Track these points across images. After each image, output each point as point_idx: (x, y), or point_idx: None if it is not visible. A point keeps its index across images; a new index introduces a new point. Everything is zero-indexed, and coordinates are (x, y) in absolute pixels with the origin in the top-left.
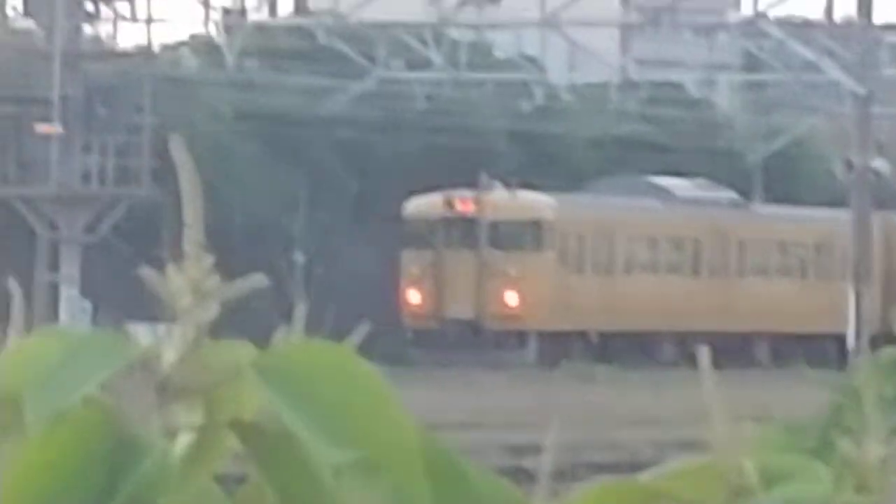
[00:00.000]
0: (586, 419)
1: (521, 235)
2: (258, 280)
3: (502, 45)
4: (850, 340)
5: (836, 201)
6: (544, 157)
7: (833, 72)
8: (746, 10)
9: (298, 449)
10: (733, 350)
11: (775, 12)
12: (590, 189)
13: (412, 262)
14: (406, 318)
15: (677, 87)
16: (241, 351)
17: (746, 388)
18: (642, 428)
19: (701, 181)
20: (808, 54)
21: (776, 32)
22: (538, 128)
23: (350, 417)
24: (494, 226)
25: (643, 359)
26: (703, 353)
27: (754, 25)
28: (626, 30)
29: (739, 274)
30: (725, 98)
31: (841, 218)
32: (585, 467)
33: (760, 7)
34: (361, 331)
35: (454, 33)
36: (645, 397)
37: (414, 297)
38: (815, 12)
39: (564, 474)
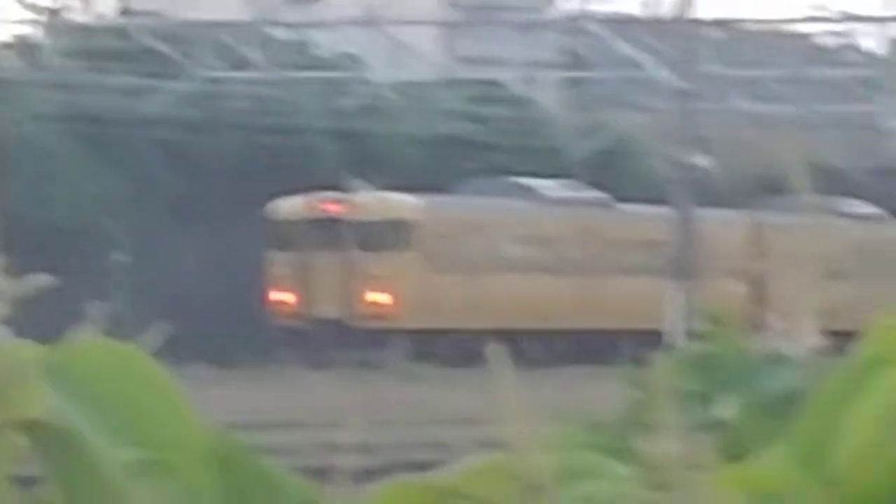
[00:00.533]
0: (409, 418)
1: (387, 236)
2: (44, 279)
3: (324, 43)
4: (668, 337)
5: (660, 198)
6: (368, 156)
7: (655, 68)
8: (568, 6)
9: (85, 448)
10: (598, 347)
11: (597, 9)
12: (457, 191)
13: (280, 262)
14: (274, 318)
15: (498, 84)
16: (29, 350)
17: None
18: (466, 427)
19: (568, 182)
20: (630, 51)
21: (597, 29)
22: (361, 126)
23: (137, 417)
24: (361, 226)
25: (512, 357)
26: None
27: (576, 22)
28: (448, 28)
29: (605, 272)
30: (547, 95)
31: (704, 216)
32: (405, 466)
33: (582, 4)
34: (160, 329)
35: (276, 33)
36: (470, 395)
37: (282, 297)
38: (637, 9)
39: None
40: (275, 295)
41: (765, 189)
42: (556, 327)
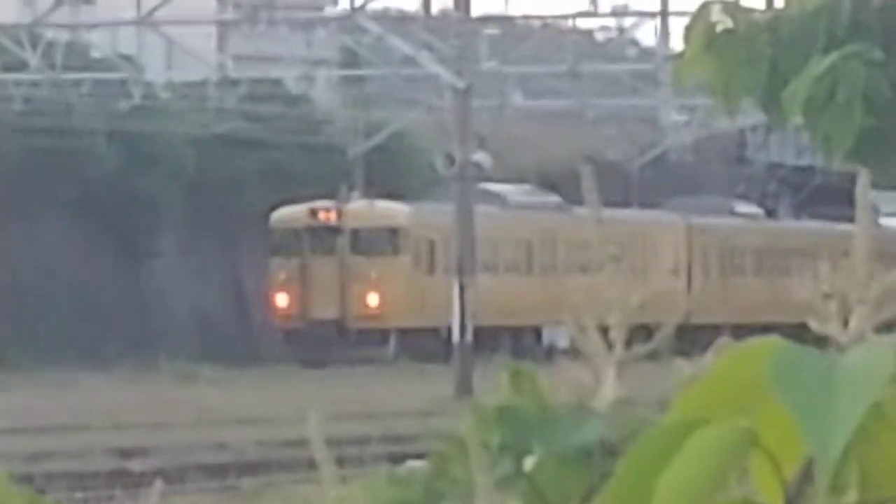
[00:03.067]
0: (192, 419)
1: (379, 241)
2: None
3: (99, 44)
4: (455, 335)
5: (440, 194)
6: (144, 156)
7: (431, 65)
8: (343, 4)
9: None
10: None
11: (372, 6)
12: (432, 197)
13: (280, 268)
14: (275, 320)
15: (276, 83)
16: None
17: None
18: (248, 427)
19: (528, 187)
20: (406, 48)
21: (373, 27)
22: (137, 127)
23: None
24: (355, 233)
25: (484, 352)
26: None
27: (351, 20)
28: (224, 27)
29: (566, 271)
30: (325, 94)
31: (650, 216)
32: (193, 469)
33: (357, 2)
34: None
35: (50, 34)
36: (251, 395)
37: (282, 300)
38: (413, 6)
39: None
40: (276, 298)
41: (543, 184)
42: (526, 324)
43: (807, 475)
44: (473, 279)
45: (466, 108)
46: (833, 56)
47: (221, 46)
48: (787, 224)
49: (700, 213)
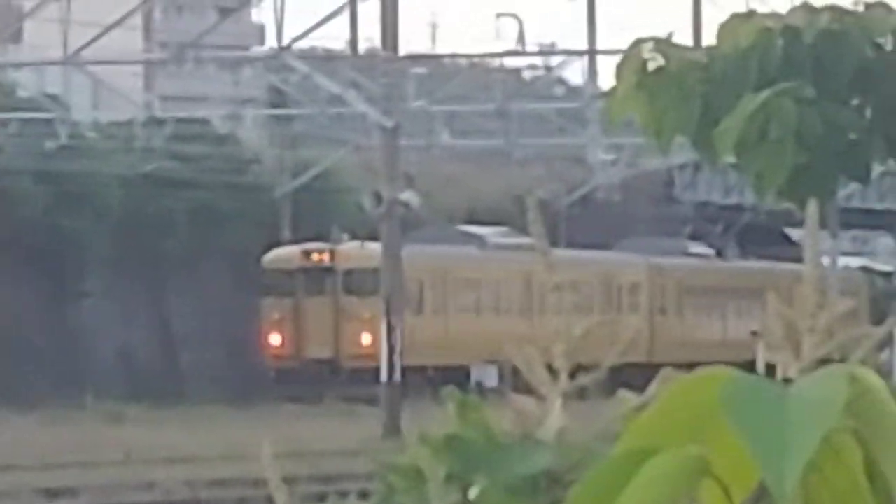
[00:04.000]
0: (120, 459)
1: (371, 282)
2: None
3: (25, 84)
4: (383, 375)
5: (370, 233)
6: (71, 196)
7: (359, 104)
8: (271, 43)
9: None
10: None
11: (299, 45)
12: (412, 239)
13: (273, 308)
14: (269, 360)
15: (203, 122)
16: None
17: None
18: (176, 466)
19: (504, 229)
20: (334, 87)
21: (300, 66)
22: (64, 167)
23: None
24: (348, 274)
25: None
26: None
27: (278, 59)
28: (151, 66)
29: (542, 311)
30: (252, 133)
31: (622, 259)
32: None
33: (284, 41)
34: None
35: None
36: (179, 435)
37: (276, 339)
38: (340, 45)
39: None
40: (269, 337)
41: (470, 222)
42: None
43: (757, 502)
44: (400, 318)
45: (394, 147)
46: (765, 94)
47: (148, 86)
48: (737, 264)
49: (657, 253)
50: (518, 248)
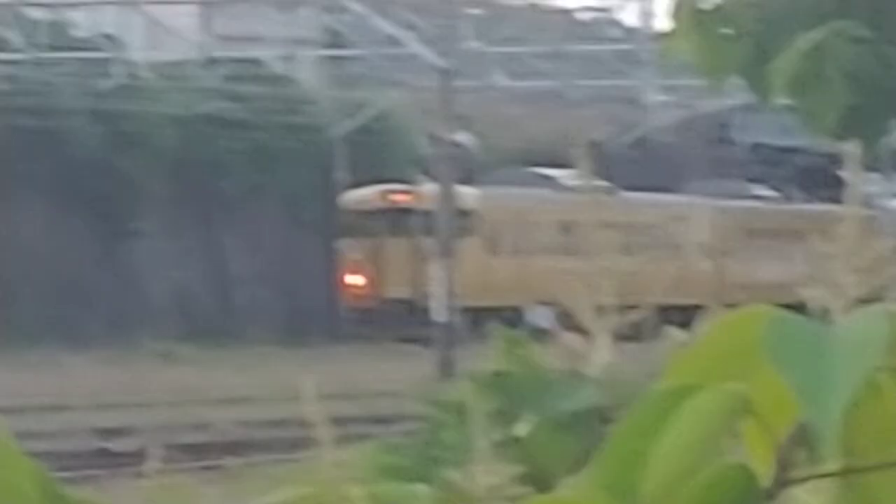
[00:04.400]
0: (174, 399)
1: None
2: None
3: (81, 23)
4: (438, 315)
5: (424, 173)
6: (126, 136)
7: (414, 45)
8: None
9: None
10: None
11: None
12: (485, 182)
13: (352, 248)
14: (348, 299)
15: (258, 63)
16: None
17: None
18: (230, 407)
19: (574, 171)
20: (389, 27)
21: (356, 7)
22: (119, 106)
23: None
24: (427, 215)
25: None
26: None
27: (334, 0)
28: (206, 7)
29: (615, 251)
30: (307, 73)
31: (688, 201)
32: (176, 448)
33: None
34: None
35: (32, 13)
36: (233, 375)
37: (355, 279)
38: None
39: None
40: (349, 278)
41: (527, 164)
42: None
43: (798, 440)
44: (457, 259)
45: (450, 89)
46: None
47: (204, 26)
48: (801, 206)
49: (722, 196)
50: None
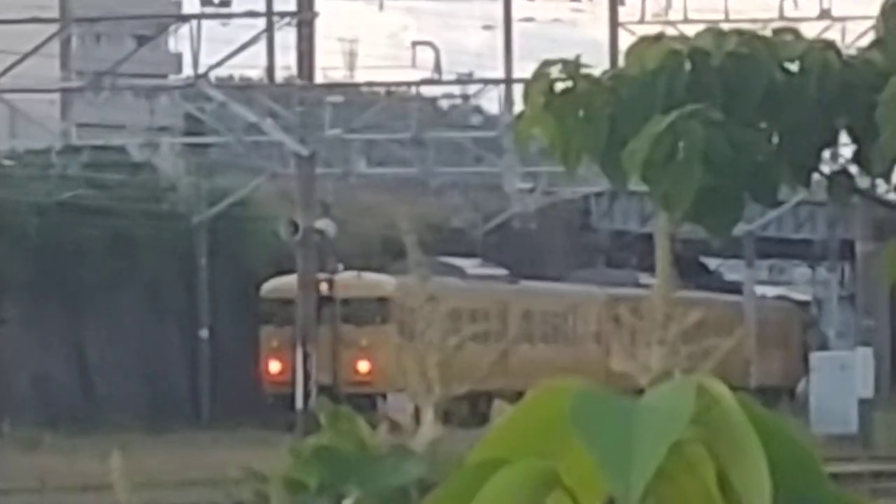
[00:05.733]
0: (35, 486)
1: (369, 311)
2: None
3: None
4: (298, 402)
5: (283, 262)
6: None
7: (275, 132)
8: (187, 72)
9: None
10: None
11: (216, 73)
12: (395, 271)
13: (272, 336)
14: (267, 386)
15: (120, 150)
16: None
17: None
18: (91, 494)
19: (478, 261)
20: (250, 115)
21: (217, 94)
22: None
23: None
24: (346, 303)
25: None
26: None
27: (195, 87)
28: (68, 94)
29: (516, 340)
30: (168, 161)
31: (584, 290)
32: None
33: (201, 69)
34: None
35: None
36: (94, 462)
37: (274, 366)
38: (256, 73)
39: None
40: (268, 365)
41: (387, 252)
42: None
43: None
44: (314, 346)
45: (311, 175)
46: (672, 115)
47: (65, 114)
48: (689, 294)
49: (611, 284)
50: (494, 278)
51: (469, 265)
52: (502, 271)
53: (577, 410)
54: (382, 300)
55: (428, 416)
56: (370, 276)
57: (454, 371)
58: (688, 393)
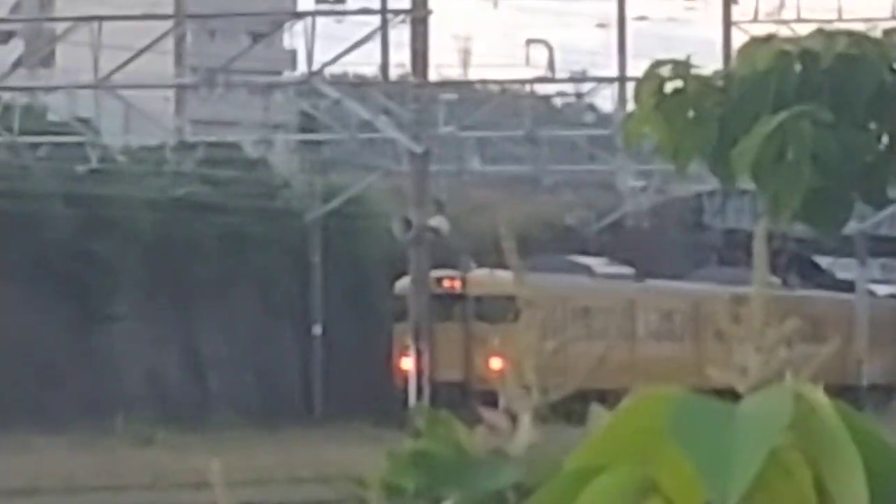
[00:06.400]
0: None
1: (501, 309)
2: None
3: (56, 107)
4: (412, 398)
5: (397, 259)
6: (101, 219)
7: (389, 130)
8: (301, 69)
9: None
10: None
11: (330, 71)
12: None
13: (405, 332)
14: (400, 383)
15: (234, 147)
16: None
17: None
18: (204, 490)
19: (605, 259)
20: (364, 112)
21: (331, 92)
22: (94, 190)
23: None
24: (478, 301)
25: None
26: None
27: (309, 85)
28: (182, 91)
29: (641, 338)
30: (282, 158)
31: (709, 289)
32: None
33: (315, 66)
34: None
35: (7, 96)
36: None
37: (407, 364)
38: (371, 71)
39: None
40: (401, 361)
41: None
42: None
43: None
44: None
45: (424, 173)
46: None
47: (179, 110)
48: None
49: (732, 283)
50: (621, 276)
51: (597, 264)
52: (629, 270)
53: (676, 418)
54: (512, 298)
55: (525, 419)
56: (503, 274)
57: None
58: (785, 400)
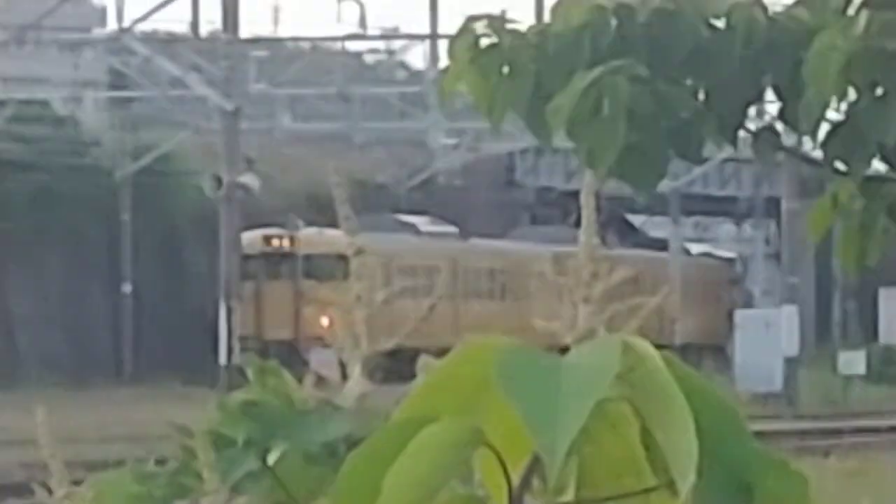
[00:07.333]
0: None
1: (331, 267)
2: None
3: None
4: (222, 357)
5: (208, 217)
6: None
7: (200, 87)
8: (112, 26)
9: None
10: None
11: (140, 28)
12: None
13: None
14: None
15: (43, 104)
16: None
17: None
18: (12, 449)
19: (429, 218)
20: (174, 70)
21: (141, 48)
22: None
23: None
24: (308, 259)
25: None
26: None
27: (119, 42)
28: None
29: (465, 297)
30: (92, 115)
31: (531, 248)
32: None
33: (126, 23)
34: None
35: None
36: (15, 418)
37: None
38: (181, 27)
39: None
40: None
41: (312, 207)
42: (433, 345)
43: (532, 473)
44: (239, 301)
45: (235, 131)
46: (597, 71)
47: None
48: (617, 252)
49: (551, 242)
50: (446, 235)
51: (421, 222)
52: (453, 229)
53: (503, 367)
54: (344, 256)
55: (355, 371)
56: (332, 233)
57: (388, 330)
58: (613, 351)
